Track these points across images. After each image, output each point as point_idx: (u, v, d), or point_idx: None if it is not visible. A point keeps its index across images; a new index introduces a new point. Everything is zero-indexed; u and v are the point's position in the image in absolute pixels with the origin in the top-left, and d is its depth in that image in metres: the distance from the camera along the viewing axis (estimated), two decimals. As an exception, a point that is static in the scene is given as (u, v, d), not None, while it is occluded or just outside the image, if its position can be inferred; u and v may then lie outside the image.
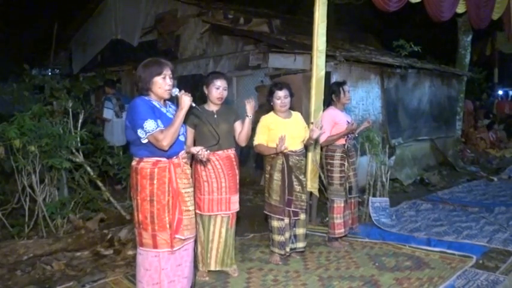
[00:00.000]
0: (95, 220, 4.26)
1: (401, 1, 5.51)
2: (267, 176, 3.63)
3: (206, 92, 3.30)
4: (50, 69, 10.73)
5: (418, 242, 4.13)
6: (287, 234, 3.60)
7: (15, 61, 8.12)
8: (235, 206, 3.34)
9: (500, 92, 16.46)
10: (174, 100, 2.63)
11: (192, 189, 2.71)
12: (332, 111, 4.14)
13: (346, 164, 4.05)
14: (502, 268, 3.46)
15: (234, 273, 3.36)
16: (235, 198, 3.34)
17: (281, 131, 3.46)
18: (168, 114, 2.57)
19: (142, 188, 2.51)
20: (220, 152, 3.26)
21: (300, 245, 3.72)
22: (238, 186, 3.38)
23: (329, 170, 4.08)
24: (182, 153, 2.64)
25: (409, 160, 7.41)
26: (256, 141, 3.59)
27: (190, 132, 3.19)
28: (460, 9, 6.89)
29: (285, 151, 3.46)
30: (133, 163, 2.57)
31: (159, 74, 2.52)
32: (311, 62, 4.63)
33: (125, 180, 4.93)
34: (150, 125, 2.42)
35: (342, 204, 4.03)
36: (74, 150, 4.33)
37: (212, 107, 3.31)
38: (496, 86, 14.43)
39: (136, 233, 2.60)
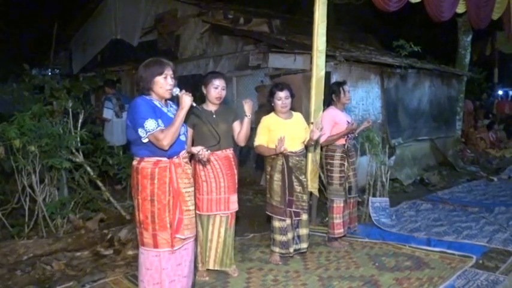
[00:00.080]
0: (95, 220, 4.26)
1: (401, 1, 5.51)
2: (268, 177, 3.63)
3: (205, 91, 3.30)
4: (50, 69, 10.74)
5: (418, 242, 4.14)
6: (290, 235, 3.59)
7: (15, 61, 8.12)
8: (234, 206, 3.34)
9: (500, 92, 16.47)
10: (175, 100, 2.64)
11: (192, 188, 2.71)
12: (332, 111, 4.14)
13: (346, 164, 4.05)
14: (502, 268, 3.46)
15: (233, 273, 3.36)
16: (234, 198, 3.34)
17: (281, 131, 3.45)
18: (169, 113, 2.58)
19: (143, 188, 2.51)
20: (219, 152, 3.26)
21: (304, 245, 3.71)
22: (236, 186, 3.38)
23: (329, 170, 4.08)
24: (183, 153, 2.64)
25: (409, 160, 7.42)
26: (257, 142, 3.59)
27: (189, 132, 3.19)
28: (460, 9, 6.89)
29: (284, 152, 3.46)
30: (134, 163, 2.58)
31: (161, 73, 2.53)
32: (311, 62, 4.63)
33: (124, 180, 4.92)
34: (150, 124, 2.42)
35: (342, 204, 4.04)
36: (73, 150, 4.33)
37: (211, 107, 3.31)
38: (496, 86, 14.43)
39: (137, 233, 2.61)
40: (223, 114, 3.33)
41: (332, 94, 4.18)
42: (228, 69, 7.22)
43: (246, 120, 3.30)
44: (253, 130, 3.49)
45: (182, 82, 7.59)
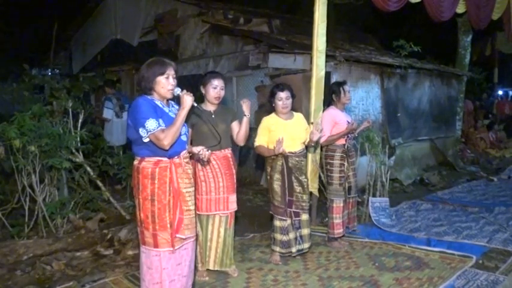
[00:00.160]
0: (95, 220, 4.26)
1: (401, 1, 5.50)
2: (268, 177, 3.64)
3: (203, 91, 3.30)
4: (50, 69, 10.73)
5: (417, 242, 4.14)
6: (291, 235, 3.59)
7: (15, 61, 8.11)
8: (233, 206, 3.35)
9: (500, 92, 16.48)
10: (175, 100, 2.64)
11: (193, 188, 2.71)
12: (332, 111, 4.14)
13: (345, 164, 4.05)
14: (501, 268, 3.46)
15: (233, 273, 3.36)
16: (233, 197, 3.34)
17: (281, 132, 3.46)
18: (170, 113, 2.58)
19: (143, 188, 2.52)
20: (218, 152, 3.26)
21: (306, 245, 3.69)
22: (235, 186, 3.38)
23: (329, 170, 4.08)
24: (184, 153, 2.64)
25: (409, 160, 7.42)
26: (257, 142, 3.59)
27: (188, 131, 3.19)
28: (460, 9, 6.89)
29: (283, 153, 3.46)
30: (135, 162, 2.58)
31: (162, 73, 2.53)
32: (311, 62, 4.63)
33: (124, 180, 4.93)
34: (151, 124, 2.43)
35: (342, 204, 4.04)
36: (73, 150, 4.33)
37: (209, 107, 3.31)
38: (496, 86, 14.44)
39: (138, 232, 2.61)
40: (222, 114, 3.33)
41: (332, 94, 4.18)
42: (228, 69, 7.22)
43: (245, 120, 3.30)
44: (252, 130, 3.49)
45: (182, 82, 7.48)
